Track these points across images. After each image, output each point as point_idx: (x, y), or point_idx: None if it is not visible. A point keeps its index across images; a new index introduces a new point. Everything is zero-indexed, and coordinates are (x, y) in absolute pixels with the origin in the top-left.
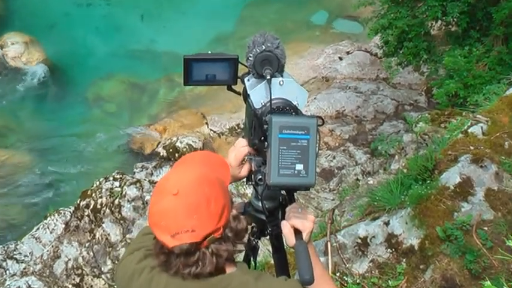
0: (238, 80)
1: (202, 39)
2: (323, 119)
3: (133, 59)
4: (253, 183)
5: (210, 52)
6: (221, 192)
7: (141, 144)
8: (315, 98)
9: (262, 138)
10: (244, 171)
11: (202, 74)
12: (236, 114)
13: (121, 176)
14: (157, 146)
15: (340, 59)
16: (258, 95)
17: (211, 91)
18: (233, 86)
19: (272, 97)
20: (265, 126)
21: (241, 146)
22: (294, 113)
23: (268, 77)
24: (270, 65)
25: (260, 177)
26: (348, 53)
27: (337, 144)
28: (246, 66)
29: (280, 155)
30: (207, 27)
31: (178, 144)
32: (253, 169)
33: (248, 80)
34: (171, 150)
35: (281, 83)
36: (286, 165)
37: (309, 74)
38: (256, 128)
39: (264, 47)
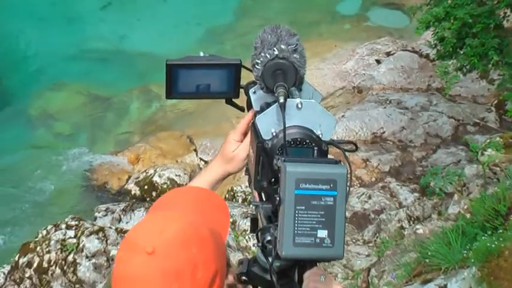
0: (241, 92)
1: (189, 36)
2: (355, 144)
3: (95, 63)
4: (260, 244)
5: (202, 54)
6: (213, 253)
7: (106, 179)
8: (343, 116)
9: (273, 180)
10: (238, 159)
11: (192, 84)
12: None
13: (77, 222)
14: (127, 181)
15: (378, 62)
16: (268, 121)
17: (201, 106)
18: (234, 99)
19: (287, 125)
20: (277, 167)
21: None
22: (316, 149)
23: (282, 100)
24: (284, 78)
25: (269, 238)
26: (388, 54)
27: (373, 179)
28: (250, 71)
29: (296, 217)
30: (195, 19)
31: (156, 178)
32: (259, 223)
33: (254, 92)
34: (146, 187)
35: (299, 105)
36: (305, 232)
37: (335, 83)
38: (265, 166)
39: (276, 52)
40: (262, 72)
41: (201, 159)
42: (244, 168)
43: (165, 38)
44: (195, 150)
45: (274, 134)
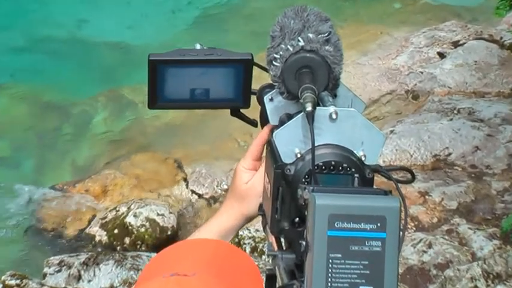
0: (253, 99)
1: (177, 20)
2: (411, 171)
3: (45, 57)
4: None
5: (198, 47)
6: None
7: (59, 221)
8: (392, 132)
9: (297, 219)
10: (253, 195)
11: (185, 88)
12: None
13: (19, 281)
14: (89, 223)
15: (441, 56)
16: (290, 138)
17: (194, 118)
18: (242, 109)
19: (317, 144)
20: (303, 200)
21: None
22: (356, 176)
23: (310, 109)
24: (312, 79)
25: None
26: (455, 44)
27: (435, 220)
28: (265, 69)
29: (330, 269)
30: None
31: (130, 219)
32: (278, 280)
33: (271, 99)
34: (116, 231)
35: (333, 116)
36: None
37: (380, 86)
38: (286, 201)
39: (301, 42)
40: (283, 71)
41: (193, 192)
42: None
43: (143, 23)
44: (185, 179)
45: (298, 155)
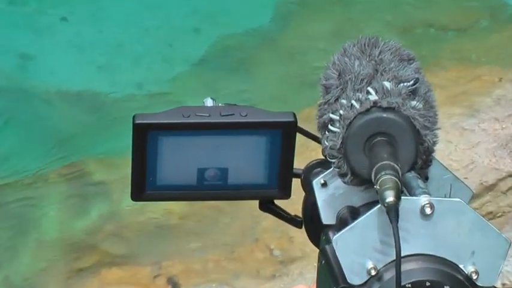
0: (295, 186)
1: (176, 58)
2: None
3: None
4: None
5: (209, 104)
6: None
7: None
8: None
9: None
10: None
11: (188, 168)
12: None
13: None
14: None
15: None
16: (357, 245)
17: (198, 211)
18: (277, 201)
19: (403, 254)
20: None
21: None
22: None
23: (391, 199)
24: (392, 153)
25: None
26: None
27: None
28: (315, 139)
29: None
30: (190, 20)
31: None
32: None
33: (324, 183)
34: None
35: (427, 210)
36: None
37: (498, 163)
38: None
39: (373, 95)
40: (344, 141)
41: None
42: None
43: (122, 60)
44: None
45: (372, 273)
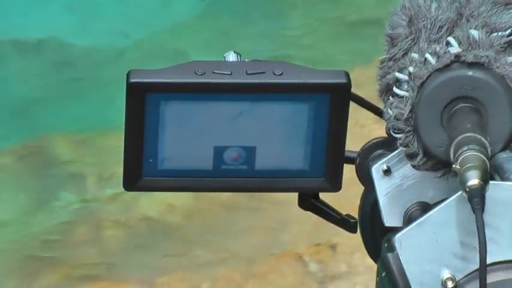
0: (348, 173)
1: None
2: None
3: None
4: None
5: (232, 57)
6: None
7: None
8: None
9: None
10: None
11: (201, 146)
12: None
13: None
14: None
15: None
16: (427, 248)
17: (207, 205)
18: (322, 195)
19: (491, 260)
20: None
21: None
22: None
23: (476, 182)
24: (479, 124)
25: None
26: None
27: None
28: (374, 110)
29: None
30: None
31: None
32: None
33: (387, 170)
34: None
35: None
36: None
37: None
38: None
39: (455, 46)
40: (415, 108)
41: None
42: None
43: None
44: None
45: (449, 286)
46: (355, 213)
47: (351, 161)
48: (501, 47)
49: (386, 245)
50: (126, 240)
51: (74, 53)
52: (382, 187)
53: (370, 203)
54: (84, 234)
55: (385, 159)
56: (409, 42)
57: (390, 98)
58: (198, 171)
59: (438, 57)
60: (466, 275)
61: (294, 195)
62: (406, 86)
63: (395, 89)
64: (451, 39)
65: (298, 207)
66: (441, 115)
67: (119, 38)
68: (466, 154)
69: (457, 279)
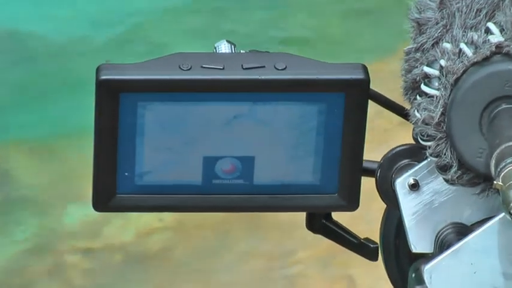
0: (368, 187)
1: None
2: None
3: None
4: None
5: (224, 48)
6: None
7: None
8: None
9: None
10: None
11: (187, 156)
12: None
13: None
14: None
15: None
16: (465, 279)
17: (206, 220)
18: (336, 215)
19: None
20: None
21: None
22: None
23: None
24: None
25: None
26: None
27: None
28: (399, 111)
29: None
30: None
31: None
32: None
33: (414, 185)
34: None
35: None
36: None
37: None
38: None
39: (496, 35)
40: (448, 110)
41: None
42: None
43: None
44: None
45: None
46: (375, 237)
47: (370, 173)
48: None
49: (413, 275)
50: (96, 273)
51: (34, 45)
52: (409, 205)
53: (393, 224)
54: (47, 266)
55: (412, 171)
56: (441, 28)
57: (418, 97)
58: (184, 186)
59: (476, 47)
60: None
61: (302, 216)
62: (436, 84)
63: (423, 87)
64: (491, 25)
65: (307, 230)
66: (480, 119)
67: (90, 27)
68: (510, 168)
69: None
